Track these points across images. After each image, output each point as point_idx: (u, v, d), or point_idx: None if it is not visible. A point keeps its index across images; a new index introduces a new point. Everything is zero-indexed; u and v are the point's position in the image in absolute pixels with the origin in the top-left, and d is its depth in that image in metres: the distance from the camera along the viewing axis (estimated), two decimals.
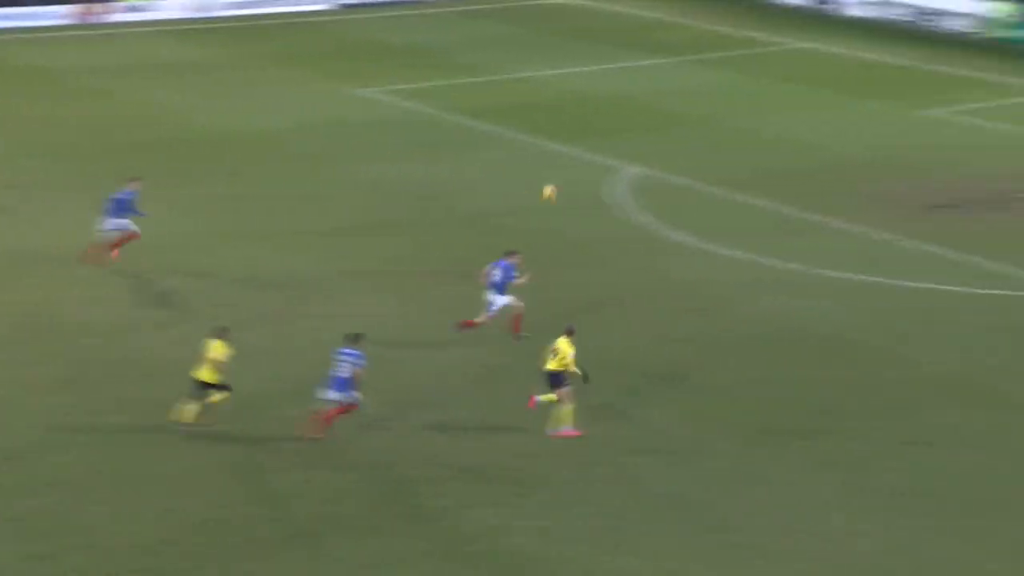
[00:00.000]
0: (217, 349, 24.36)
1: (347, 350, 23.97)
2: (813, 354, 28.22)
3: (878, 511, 22.19)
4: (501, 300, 28.13)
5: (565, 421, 24.41)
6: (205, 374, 24.28)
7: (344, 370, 23.84)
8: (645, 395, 26.32)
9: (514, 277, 28.11)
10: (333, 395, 23.88)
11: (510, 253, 28.46)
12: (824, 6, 66.17)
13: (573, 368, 24.45)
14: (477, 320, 28.19)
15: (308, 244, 34.15)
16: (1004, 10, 59.91)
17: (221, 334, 24.58)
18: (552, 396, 24.46)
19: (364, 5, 66.94)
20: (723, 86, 51.88)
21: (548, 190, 27.02)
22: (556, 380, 24.43)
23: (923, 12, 62.76)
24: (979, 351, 28.31)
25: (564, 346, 24.51)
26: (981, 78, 52.91)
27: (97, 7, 62.50)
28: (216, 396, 24.32)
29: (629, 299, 30.79)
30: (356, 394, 23.95)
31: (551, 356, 24.54)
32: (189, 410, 24.25)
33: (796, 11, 66.05)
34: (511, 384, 26.27)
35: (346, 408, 24.01)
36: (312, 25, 62.86)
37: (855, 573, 20.60)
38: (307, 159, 41.78)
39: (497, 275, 28.16)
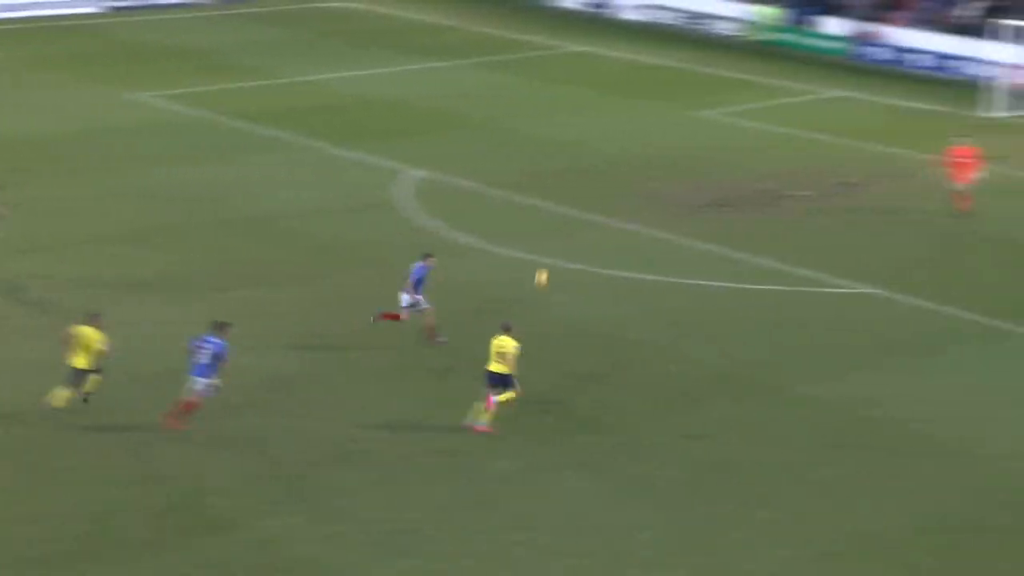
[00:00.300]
0: (90, 336, 24.51)
1: (210, 338, 24.23)
2: (596, 352, 28.70)
3: (661, 504, 22.70)
4: (407, 299, 28.09)
5: (485, 417, 24.70)
6: (79, 361, 24.44)
7: (204, 357, 24.11)
8: (433, 397, 26.39)
9: (422, 280, 28.05)
10: (198, 384, 24.13)
11: (427, 255, 28.53)
12: (600, 10, 67.30)
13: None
14: (401, 316, 28.22)
15: (81, 253, 33.27)
16: (769, 14, 61.89)
17: (92, 320, 24.72)
18: (511, 394, 24.70)
19: (135, 8, 65.46)
20: (503, 89, 52.34)
21: (541, 277, 26.91)
22: (504, 381, 24.66)
23: (693, 16, 64.37)
24: (752, 345, 29.18)
25: (510, 345, 24.65)
26: (749, 80, 54.51)
27: None
28: (91, 383, 24.59)
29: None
30: (215, 382, 24.20)
31: (497, 358, 24.66)
32: (60, 395, 24.43)
33: (573, 15, 67.01)
34: (302, 391, 26.08)
35: (198, 400, 24.24)
36: (81, 28, 61.24)
37: (639, 566, 20.99)
38: (77, 165, 40.69)
39: (414, 276, 28.21)
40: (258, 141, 44.06)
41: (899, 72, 55.97)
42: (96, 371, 24.68)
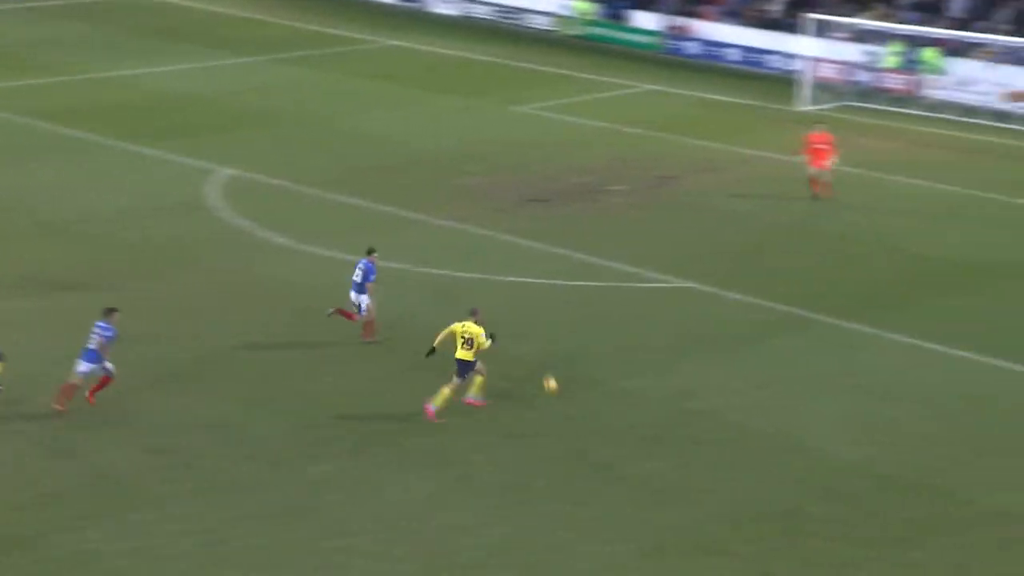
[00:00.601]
0: None
1: (100, 323, 24.67)
2: (417, 352, 28.44)
3: (485, 505, 22.56)
4: (364, 299, 28.13)
5: (477, 390, 25.43)
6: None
7: (93, 342, 24.58)
8: (250, 401, 25.90)
9: (373, 277, 28.10)
10: (83, 367, 24.55)
11: (370, 251, 28.40)
12: (411, 4, 67.05)
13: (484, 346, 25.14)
14: (356, 318, 28.36)
15: None
16: (582, 8, 62.33)
17: None
18: (446, 392, 25.11)
19: None
20: (315, 85, 51.73)
21: (551, 384, 26.25)
22: (469, 368, 25.22)
23: (507, 10, 64.51)
24: (572, 341, 29.25)
25: (476, 331, 25.07)
26: (564, 74, 54.81)
27: None
28: None
29: (230, 303, 30.22)
30: (108, 365, 24.69)
31: (465, 345, 25.04)
32: None
33: (386, 10, 66.59)
34: (114, 399, 25.30)
35: (102, 383, 24.79)
36: None
37: (461, 569, 20.82)
38: None
39: (358, 275, 28.06)
40: (58, 141, 42.76)
41: (711, 66, 56.87)
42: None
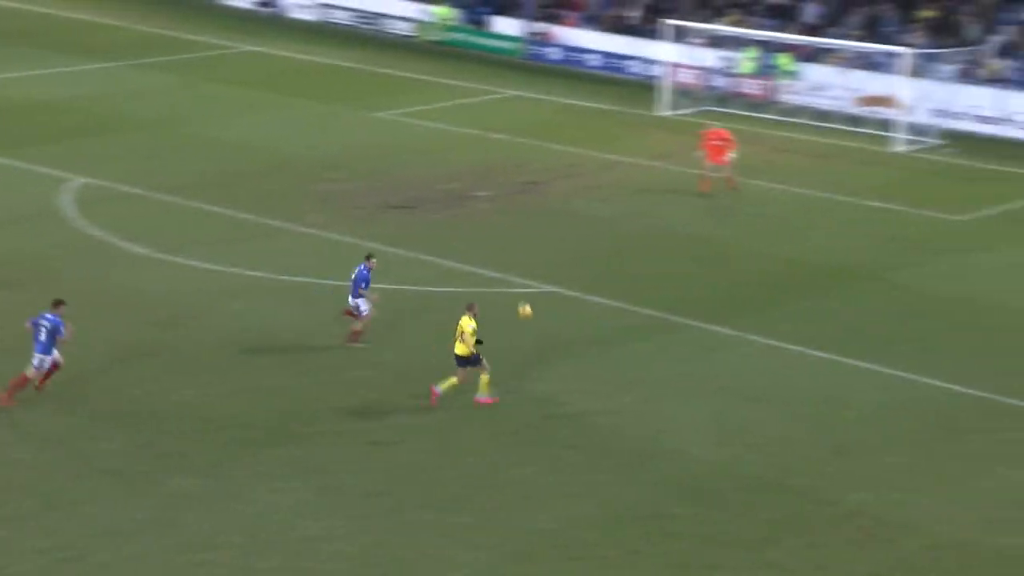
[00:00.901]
0: None
1: (46, 315, 25.41)
2: (280, 362, 28.28)
3: (351, 514, 22.48)
4: (361, 302, 28.63)
5: (484, 389, 26.15)
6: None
7: (42, 334, 25.31)
8: (105, 414, 25.50)
9: (366, 281, 28.54)
10: (35, 358, 25.27)
11: (369, 256, 28.92)
12: (268, 9, 66.52)
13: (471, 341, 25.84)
14: (355, 327, 28.76)
15: None
16: (442, 14, 62.39)
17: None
18: (453, 380, 25.95)
19: None
20: (171, 90, 51.11)
21: (526, 310, 27.05)
22: (468, 362, 26.03)
23: (366, 16, 64.34)
24: (439, 348, 29.26)
25: (466, 325, 25.86)
26: (426, 80, 54.83)
27: None
28: None
29: (88, 315, 29.71)
30: (56, 354, 25.44)
31: (458, 338, 25.90)
32: None
33: (243, 15, 66.02)
34: None
35: (51, 371, 25.56)
36: None
37: None
38: None
39: (363, 283, 28.54)
40: None
41: (572, 72, 57.32)
42: None
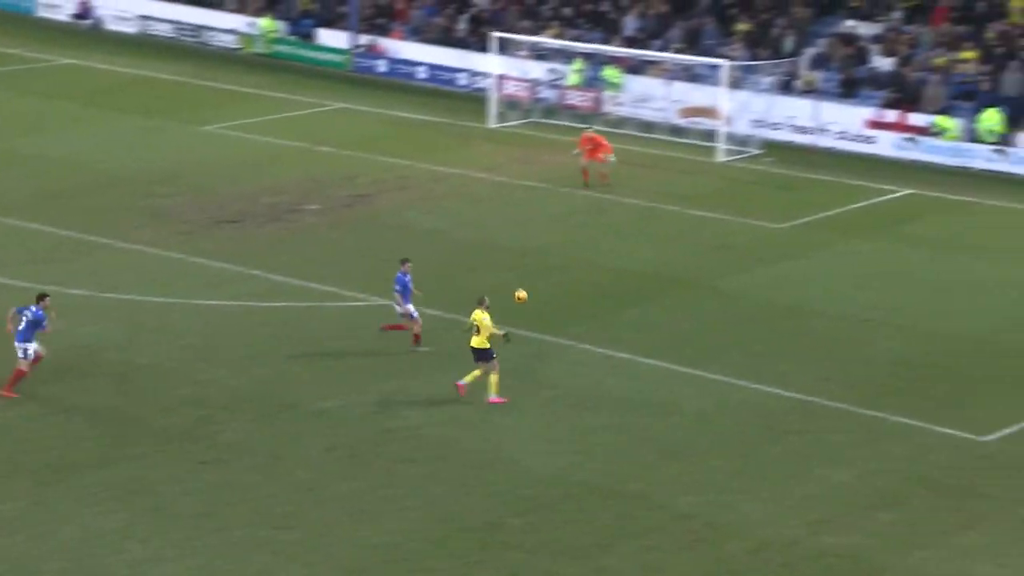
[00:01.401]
0: None
1: (29, 307, 26.43)
2: (104, 381, 27.76)
3: (179, 536, 22.08)
4: (409, 308, 29.46)
5: (494, 389, 26.99)
6: None
7: (22, 323, 26.30)
8: None
9: (407, 287, 29.42)
10: (20, 348, 26.29)
11: (404, 261, 29.74)
12: (85, 21, 65.13)
13: (496, 332, 26.90)
14: (415, 330, 29.51)
15: None
16: (267, 26, 61.80)
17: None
18: (476, 372, 27.00)
19: None
20: None
21: (521, 295, 28.66)
22: (484, 355, 27.00)
23: (186, 28, 63.39)
24: (268, 364, 29.01)
25: (481, 318, 26.82)
26: (252, 93, 54.26)
27: None
28: None
29: None
30: (38, 346, 26.42)
31: (474, 332, 26.84)
32: None
33: (57, 26, 64.51)
34: None
35: (35, 361, 26.50)
36: None
37: None
38: None
39: (398, 286, 29.36)
40: None
41: (400, 84, 57.25)
42: None
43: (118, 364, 28.53)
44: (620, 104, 51.87)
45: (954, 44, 49.42)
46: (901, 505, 23.96)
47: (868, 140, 48.04)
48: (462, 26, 58.81)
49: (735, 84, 48.22)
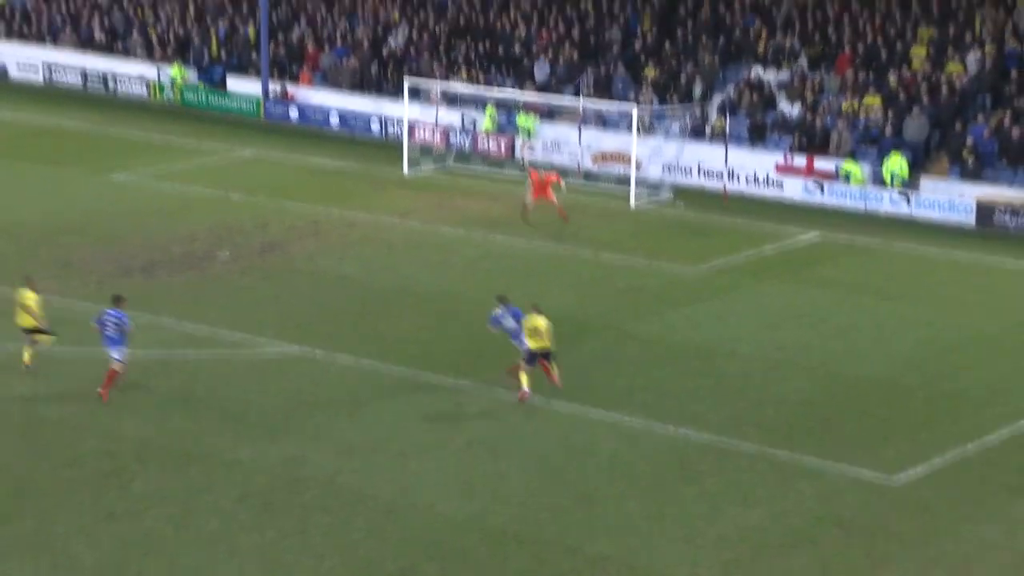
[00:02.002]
0: (28, 297, 29.48)
1: (110, 311, 27.95)
2: (10, 434, 27.38)
3: None
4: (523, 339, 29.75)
5: (524, 383, 29.13)
6: (26, 321, 29.42)
7: (110, 329, 28.02)
8: None
9: (520, 317, 29.95)
10: (114, 353, 28.03)
11: (502, 298, 30.49)
12: None
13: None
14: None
15: None
16: (176, 74, 61.57)
17: (29, 283, 29.69)
18: (554, 369, 29.12)
19: None
20: None
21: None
22: (537, 356, 28.93)
23: (93, 76, 62.92)
24: (181, 414, 28.78)
25: (543, 323, 28.76)
26: (162, 141, 53.98)
27: None
28: (43, 339, 29.68)
29: None
30: (125, 350, 28.11)
31: (534, 336, 28.60)
32: (27, 354, 29.61)
33: None
34: None
35: (120, 368, 28.25)
36: None
37: None
38: None
39: (509, 321, 30.08)
40: None
41: (312, 131, 57.24)
42: (45, 331, 29.55)
43: (23, 416, 28.16)
44: (533, 149, 52.22)
45: (858, 90, 50.34)
46: (813, 545, 24.20)
47: (777, 185, 48.70)
48: (374, 70, 58.90)
49: (646, 130, 48.73)
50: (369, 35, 60.34)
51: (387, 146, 53.31)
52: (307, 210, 44.92)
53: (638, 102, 50.59)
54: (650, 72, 53.85)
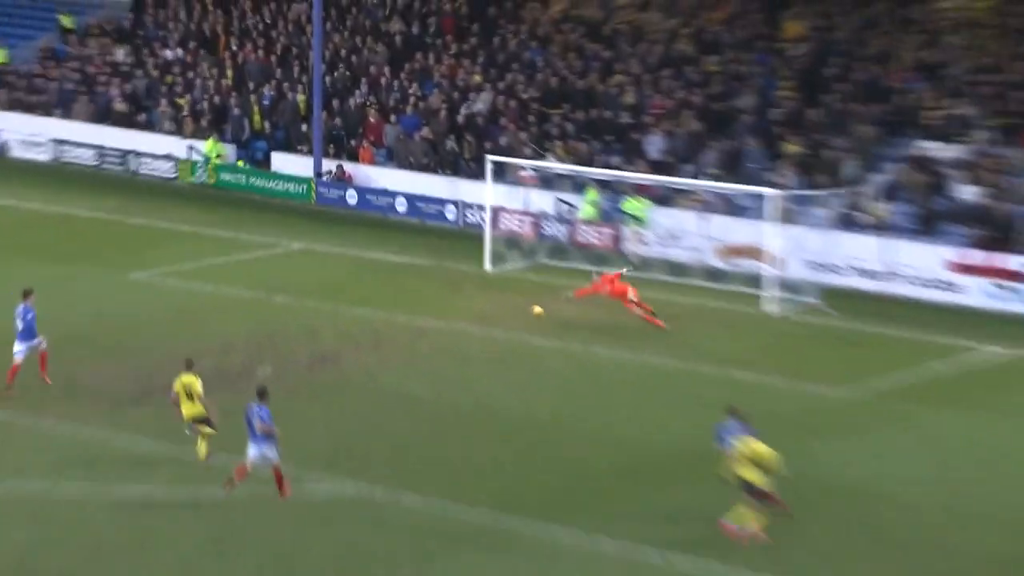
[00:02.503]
0: (195, 384, 33.07)
1: (256, 407, 30.89)
2: None
3: None
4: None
5: (740, 521, 29.68)
6: (193, 409, 33.01)
7: (257, 427, 30.72)
8: None
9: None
10: (268, 452, 30.98)
11: (733, 410, 31.52)
12: None
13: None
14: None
15: None
16: (212, 150, 62.44)
17: (189, 366, 33.33)
18: (748, 514, 29.41)
19: None
20: None
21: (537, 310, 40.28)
22: (757, 492, 29.35)
23: (113, 154, 63.95)
24: (207, 570, 28.88)
25: (763, 449, 29.33)
26: (193, 232, 54.69)
27: None
28: (206, 431, 33.06)
29: None
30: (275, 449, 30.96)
31: (744, 463, 29.25)
32: (200, 448, 32.97)
33: None
34: None
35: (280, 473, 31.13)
36: None
37: None
38: None
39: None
40: None
41: (373, 219, 57.73)
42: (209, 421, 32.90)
43: (17, 573, 28.41)
44: (645, 242, 52.24)
45: None
46: None
47: (950, 287, 48.28)
48: (449, 145, 59.37)
49: (785, 218, 48.60)
50: (444, 102, 61.00)
51: (465, 237, 53.59)
52: (366, 315, 45.14)
53: (775, 184, 50.51)
54: (791, 147, 53.85)
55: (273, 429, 30.87)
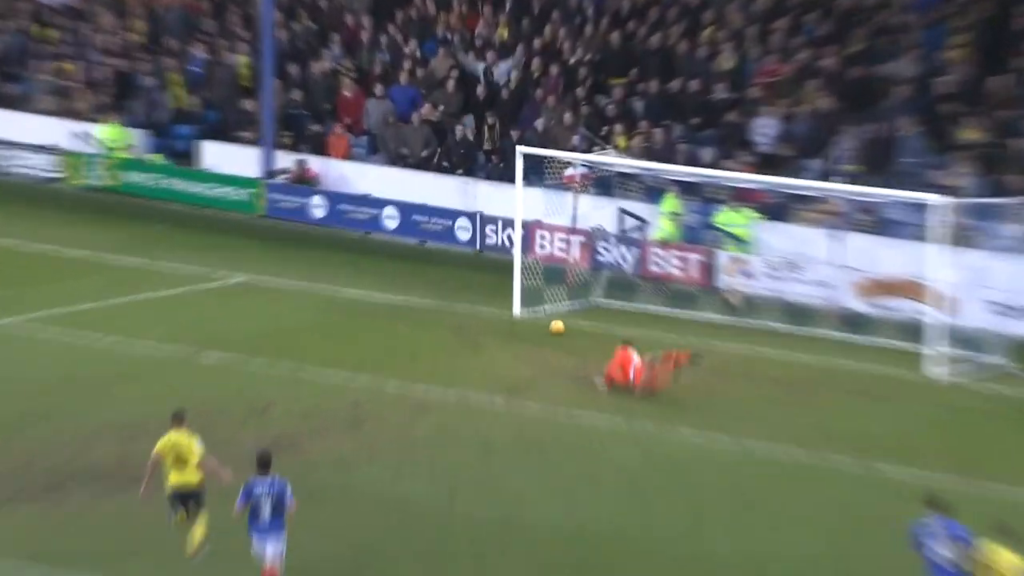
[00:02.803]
0: (191, 445, 33.76)
1: (270, 480, 32.41)
2: None
3: None
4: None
5: None
6: (187, 477, 33.79)
7: (265, 507, 32.30)
8: None
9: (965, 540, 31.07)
10: (280, 543, 32.31)
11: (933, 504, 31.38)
12: None
13: None
14: None
15: None
16: (113, 137, 62.40)
17: (182, 421, 34.13)
18: None
19: None
20: None
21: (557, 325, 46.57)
22: None
23: None
24: None
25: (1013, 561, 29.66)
26: (82, 259, 55.11)
27: None
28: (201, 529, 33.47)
29: None
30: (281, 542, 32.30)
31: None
32: (194, 535, 33.44)
33: None
34: None
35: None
36: None
37: None
38: None
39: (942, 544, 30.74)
40: None
41: (348, 240, 58.00)
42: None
43: None
44: (749, 274, 52.20)
45: None
46: None
47: None
48: (460, 131, 59.38)
49: (959, 239, 48.45)
50: (454, 67, 61.03)
51: (484, 266, 53.73)
52: (340, 381, 45.27)
53: (944, 188, 50.39)
54: (967, 133, 53.77)
55: (290, 507, 32.52)
